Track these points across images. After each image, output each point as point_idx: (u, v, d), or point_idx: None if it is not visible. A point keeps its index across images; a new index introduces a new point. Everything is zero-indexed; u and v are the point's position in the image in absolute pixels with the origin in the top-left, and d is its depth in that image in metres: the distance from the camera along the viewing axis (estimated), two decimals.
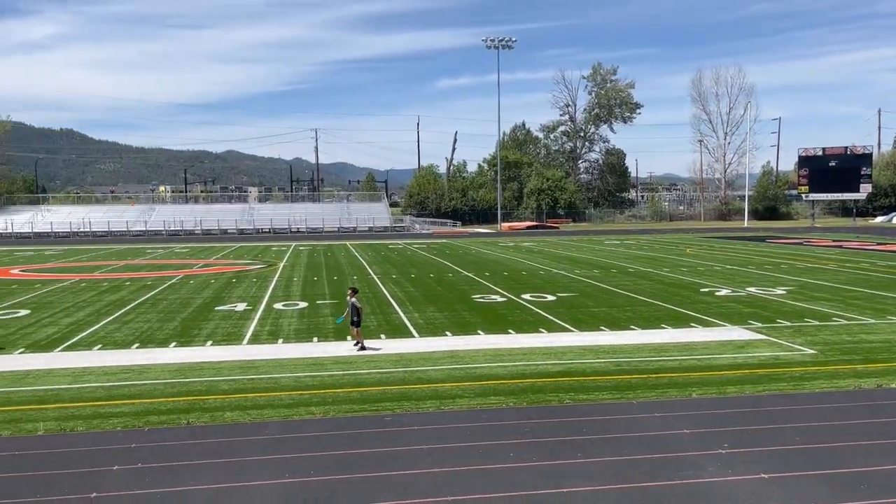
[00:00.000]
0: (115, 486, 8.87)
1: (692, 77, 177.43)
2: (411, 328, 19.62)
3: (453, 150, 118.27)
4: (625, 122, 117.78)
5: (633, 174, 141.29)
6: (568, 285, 28.78)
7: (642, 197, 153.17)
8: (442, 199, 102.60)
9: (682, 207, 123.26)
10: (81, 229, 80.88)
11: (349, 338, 17.22)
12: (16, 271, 38.08)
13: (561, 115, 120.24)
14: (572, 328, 19.34)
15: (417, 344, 17.53)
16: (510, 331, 19.04)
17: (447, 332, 18.88)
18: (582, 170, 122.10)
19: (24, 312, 22.90)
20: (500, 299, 25.02)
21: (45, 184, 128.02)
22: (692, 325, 19.66)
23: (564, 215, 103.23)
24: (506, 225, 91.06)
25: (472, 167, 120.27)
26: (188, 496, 8.58)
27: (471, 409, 12.02)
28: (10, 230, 79.53)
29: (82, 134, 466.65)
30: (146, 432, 11.01)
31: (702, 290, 26.90)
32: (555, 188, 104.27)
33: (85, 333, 19.14)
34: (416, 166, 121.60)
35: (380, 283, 30.07)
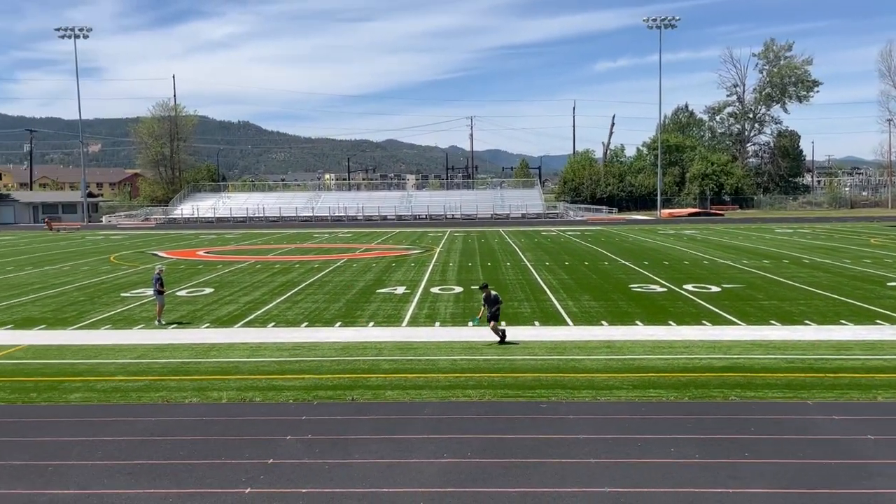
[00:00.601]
0: (288, 455, 9.53)
1: (880, 50, 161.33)
2: (565, 316, 19.43)
3: (611, 134, 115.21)
4: (800, 102, 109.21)
5: (809, 158, 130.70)
6: (734, 276, 27.25)
7: (819, 182, 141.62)
8: (597, 184, 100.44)
9: (865, 193, 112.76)
10: (256, 215, 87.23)
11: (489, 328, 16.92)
12: (201, 253, 41.78)
13: (728, 96, 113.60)
14: (739, 321, 18.30)
15: (572, 332, 17.33)
16: (670, 322, 18.34)
17: (603, 322, 18.51)
18: (750, 153, 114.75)
19: (208, 291, 25.09)
20: (659, 289, 24.15)
21: (224, 173, 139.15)
22: (878, 322, 17.95)
23: (730, 202, 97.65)
24: (666, 212, 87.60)
25: (630, 152, 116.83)
26: (355, 469, 9.05)
27: (629, 401, 11.73)
28: (196, 215, 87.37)
29: (257, 126, 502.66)
30: (315, 406, 11.72)
31: (889, 283, 24.48)
32: (720, 173, 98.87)
33: (260, 311, 20.66)
34: (571, 152, 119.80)
35: (533, 271, 30.01)
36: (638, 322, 18.41)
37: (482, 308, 16.42)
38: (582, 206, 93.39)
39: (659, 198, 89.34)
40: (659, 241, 45.34)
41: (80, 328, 18.51)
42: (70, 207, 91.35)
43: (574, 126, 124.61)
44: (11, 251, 43.78)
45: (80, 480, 8.78)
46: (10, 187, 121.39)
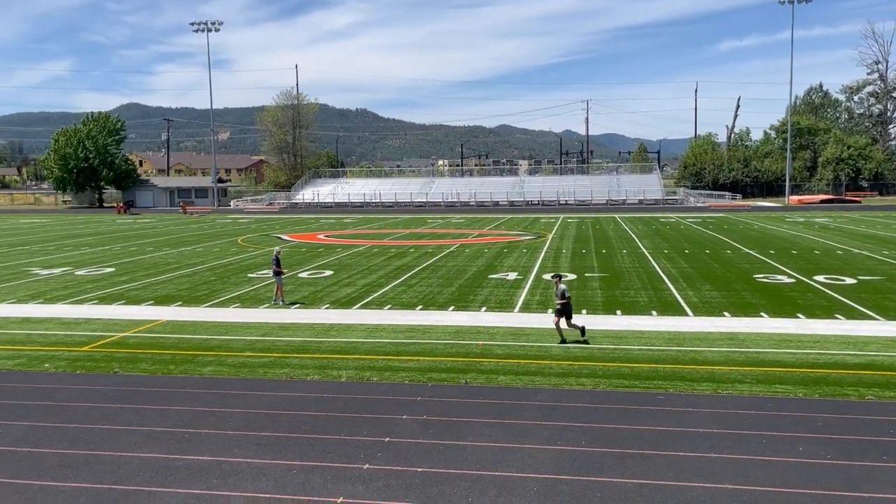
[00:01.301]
0: (404, 434, 9.79)
1: None
2: (685, 306, 18.78)
3: (735, 116, 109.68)
4: None
5: None
6: (872, 268, 25.39)
7: None
8: (720, 169, 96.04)
9: None
10: (373, 200, 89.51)
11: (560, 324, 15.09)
12: (322, 236, 43.38)
13: (868, 74, 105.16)
14: (877, 316, 17.06)
15: (692, 323, 16.74)
16: (799, 315, 17.35)
17: (725, 313, 17.76)
18: (893, 136, 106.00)
19: (328, 273, 26.04)
20: (787, 280, 22.88)
21: (343, 159, 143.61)
22: None
23: (868, 188, 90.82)
24: (794, 198, 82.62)
25: (756, 135, 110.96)
26: (468, 451, 9.17)
27: (752, 396, 11.22)
28: (316, 200, 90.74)
29: (374, 113, 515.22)
30: (429, 387, 11.96)
31: None
32: (857, 157, 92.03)
33: (377, 294, 21.24)
34: (693, 135, 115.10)
35: (650, 258, 29.16)
36: (763, 314, 17.53)
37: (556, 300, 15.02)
38: (703, 191, 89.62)
39: (787, 183, 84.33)
40: (787, 230, 42.88)
41: (212, 306, 19.70)
42: (202, 192, 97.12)
43: (696, 108, 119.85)
44: (150, 233, 47.13)
45: (213, 448, 9.39)
46: (150, 173, 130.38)
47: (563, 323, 14.72)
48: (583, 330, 14.86)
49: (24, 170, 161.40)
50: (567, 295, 14.75)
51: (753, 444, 9.24)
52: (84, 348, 14.99)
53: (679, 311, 18.11)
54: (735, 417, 10.25)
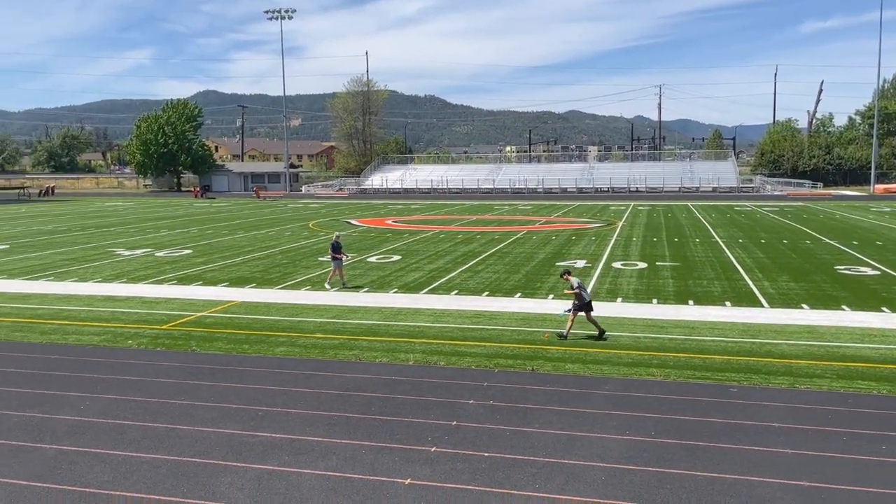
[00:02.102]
0: (471, 418, 9.84)
1: None
2: (760, 297, 18.20)
3: (817, 101, 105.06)
4: None
5: None
6: None
7: None
8: (800, 156, 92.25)
9: None
10: (440, 186, 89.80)
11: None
12: (390, 222, 43.85)
13: None
14: None
15: (767, 314, 16.21)
16: (884, 309, 16.58)
17: (803, 305, 17.12)
18: None
19: (396, 258, 26.32)
20: (871, 272, 21.88)
21: (411, 145, 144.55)
22: None
23: None
24: (881, 187, 78.68)
25: (839, 121, 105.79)
26: (535, 438, 9.15)
27: (832, 391, 10.81)
28: (385, 186, 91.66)
29: (442, 99, 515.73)
30: (496, 373, 11.97)
31: None
32: None
33: (444, 279, 21.35)
34: (771, 121, 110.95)
35: (725, 248, 28.34)
36: (845, 307, 16.83)
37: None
38: (781, 179, 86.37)
39: (873, 172, 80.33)
40: (872, 220, 40.94)
41: (284, 288, 20.20)
42: (274, 177, 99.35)
43: (775, 93, 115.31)
44: (226, 216, 48.58)
45: (286, 426, 9.65)
46: (225, 158, 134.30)
47: (578, 317, 14.01)
48: (601, 333, 14.11)
49: (108, 155, 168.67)
50: (577, 287, 13.92)
51: (832, 440, 8.91)
52: (164, 326, 15.62)
53: (754, 303, 17.56)
54: (813, 413, 9.90)
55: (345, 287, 19.87)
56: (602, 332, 14.08)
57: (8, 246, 31.12)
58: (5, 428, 9.70)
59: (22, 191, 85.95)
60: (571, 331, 14.05)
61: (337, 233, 22.18)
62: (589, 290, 19.37)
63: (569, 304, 14.39)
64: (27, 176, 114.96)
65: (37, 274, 23.12)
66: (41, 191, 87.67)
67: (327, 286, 19.90)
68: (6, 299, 18.89)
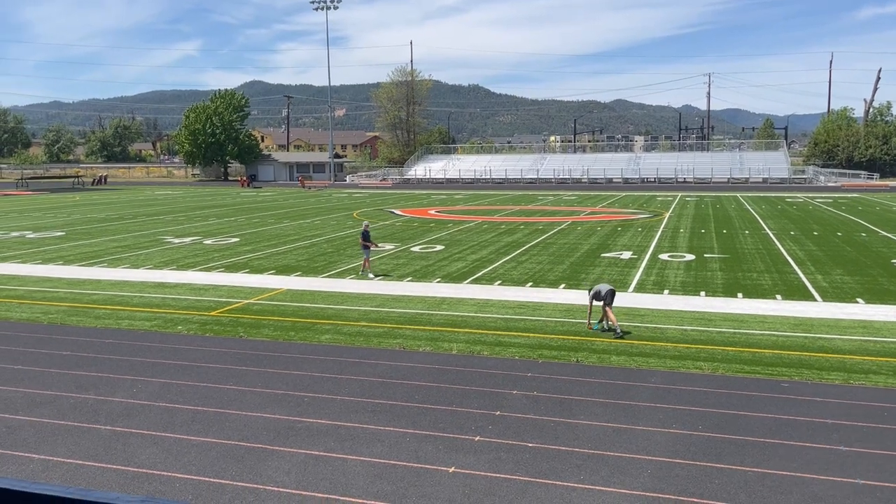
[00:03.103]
0: (515, 409, 9.81)
1: None
2: (813, 291, 17.73)
3: (875, 89, 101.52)
4: None
5: None
6: None
7: None
8: (856, 147, 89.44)
9: None
10: (483, 176, 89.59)
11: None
12: (433, 212, 43.91)
13: None
14: None
15: (820, 309, 15.79)
16: None
17: (858, 300, 16.62)
18: None
19: (439, 248, 26.36)
20: None
21: (454, 135, 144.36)
22: None
23: None
24: None
25: None
26: (579, 429, 9.09)
27: (888, 388, 10.48)
28: (428, 176, 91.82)
29: (486, 89, 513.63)
30: (539, 364, 11.91)
31: None
32: None
33: (487, 270, 21.31)
34: (825, 110, 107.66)
35: (775, 240, 27.67)
36: None
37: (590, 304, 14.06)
38: (836, 170, 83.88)
39: None
40: None
41: (329, 276, 20.41)
42: (319, 167, 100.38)
43: (829, 81, 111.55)
44: (272, 205, 49.26)
45: (331, 412, 9.76)
46: (271, 148, 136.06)
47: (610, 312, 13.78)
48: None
49: (158, 145, 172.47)
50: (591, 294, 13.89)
51: (889, 439, 8.64)
52: (212, 313, 15.93)
53: (806, 296, 17.12)
54: (868, 410, 9.61)
55: (369, 276, 19.86)
56: (606, 327, 13.84)
57: (64, 233, 32.10)
58: (63, 409, 10.02)
59: (76, 179, 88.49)
60: (618, 322, 13.85)
61: (365, 221, 22.30)
62: (635, 282, 19.16)
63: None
64: (81, 165, 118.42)
65: (91, 260, 23.80)
66: (94, 180, 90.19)
67: (370, 276, 20.02)
68: (63, 284, 19.50)
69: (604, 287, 13.88)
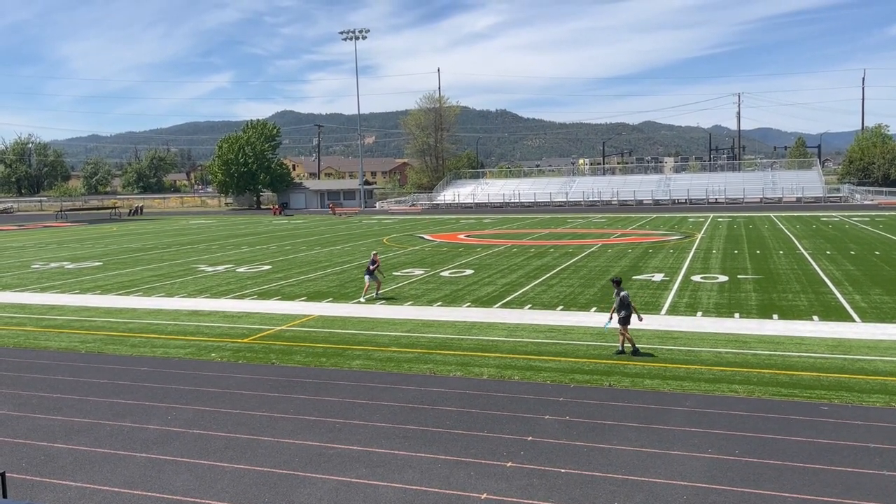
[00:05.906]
0: (547, 434, 9.72)
1: None
2: (851, 312, 17.35)
3: None
4: None
5: None
6: None
7: None
8: (892, 164, 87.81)
9: None
10: (512, 200, 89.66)
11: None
12: (462, 236, 44.00)
13: None
14: None
15: (859, 329, 15.44)
16: None
17: None
18: None
19: (469, 272, 26.36)
20: None
21: (482, 160, 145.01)
22: None
23: None
24: None
25: None
26: (613, 454, 8.97)
27: None
28: (457, 201, 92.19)
29: (513, 113, 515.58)
30: (571, 388, 11.80)
31: None
32: None
33: (517, 293, 21.24)
34: (859, 128, 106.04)
35: (811, 260, 27.18)
36: None
37: (612, 308, 14.29)
38: (872, 188, 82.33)
39: None
40: None
41: (360, 303, 20.50)
42: (349, 194, 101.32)
43: (863, 99, 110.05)
44: (303, 232, 49.80)
45: (362, 439, 9.77)
46: (302, 176, 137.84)
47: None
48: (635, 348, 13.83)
49: (192, 175, 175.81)
50: (628, 301, 13.87)
51: None
52: (245, 340, 16.10)
53: (844, 317, 16.76)
54: None
55: (369, 299, 20.65)
56: (633, 348, 13.78)
57: (101, 263, 32.77)
58: (100, 437, 10.18)
59: (113, 211, 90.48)
60: (644, 345, 13.70)
61: (375, 251, 23.11)
62: (667, 304, 18.95)
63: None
64: (118, 196, 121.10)
65: (127, 289, 24.25)
66: (131, 210, 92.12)
67: (362, 299, 20.70)
68: (100, 313, 19.88)
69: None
